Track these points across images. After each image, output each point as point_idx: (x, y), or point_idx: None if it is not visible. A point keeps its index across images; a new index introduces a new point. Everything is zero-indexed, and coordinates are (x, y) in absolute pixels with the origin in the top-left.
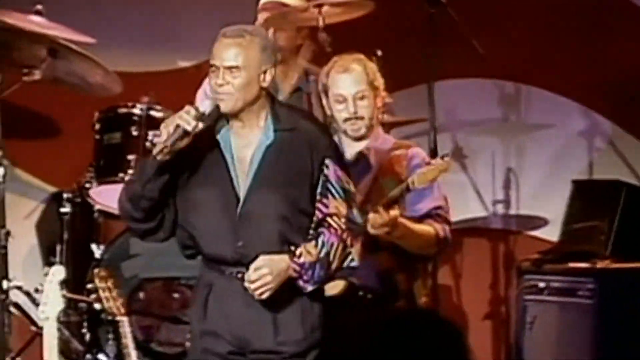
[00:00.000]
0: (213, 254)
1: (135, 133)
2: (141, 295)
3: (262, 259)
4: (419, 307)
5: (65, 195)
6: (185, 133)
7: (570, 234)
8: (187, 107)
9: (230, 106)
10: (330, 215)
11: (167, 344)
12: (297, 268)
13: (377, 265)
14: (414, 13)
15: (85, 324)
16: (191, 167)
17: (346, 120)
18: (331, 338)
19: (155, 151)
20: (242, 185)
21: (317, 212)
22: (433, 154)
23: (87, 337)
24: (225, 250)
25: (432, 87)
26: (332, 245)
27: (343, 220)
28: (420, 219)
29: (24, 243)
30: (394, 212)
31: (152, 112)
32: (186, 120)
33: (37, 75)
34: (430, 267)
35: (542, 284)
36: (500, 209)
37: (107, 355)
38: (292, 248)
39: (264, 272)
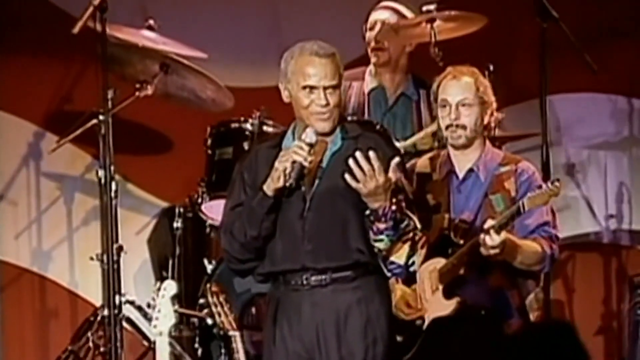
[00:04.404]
0: (281, 266)
1: (247, 148)
2: (253, 310)
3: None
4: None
5: (177, 210)
6: (303, 167)
7: None
8: (298, 142)
9: (330, 125)
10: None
11: None
12: (388, 205)
13: (489, 283)
14: (526, 27)
15: (197, 339)
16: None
17: (448, 127)
18: (446, 358)
19: (270, 189)
20: (310, 190)
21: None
22: (545, 168)
23: (199, 352)
24: (293, 256)
25: (544, 101)
26: (408, 226)
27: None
28: (527, 235)
29: (136, 258)
30: (504, 234)
31: (264, 127)
32: (303, 156)
33: (149, 90)
34: (542, 281)
35: None
36: (612, 223)
37: None
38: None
39: (375, 168)
